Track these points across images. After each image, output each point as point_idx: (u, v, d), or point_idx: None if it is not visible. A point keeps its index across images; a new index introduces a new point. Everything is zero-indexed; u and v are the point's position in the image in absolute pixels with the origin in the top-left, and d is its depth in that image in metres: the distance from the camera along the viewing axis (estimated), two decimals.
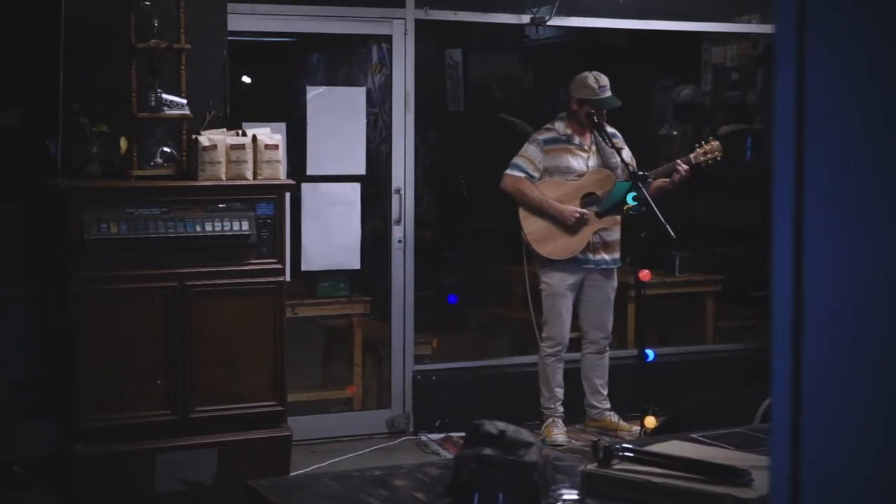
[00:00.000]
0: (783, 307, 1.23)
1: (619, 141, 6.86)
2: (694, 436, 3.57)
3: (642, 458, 3.06)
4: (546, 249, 6.72)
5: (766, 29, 8.63)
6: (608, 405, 7.02)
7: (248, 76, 7.93)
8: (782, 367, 1.24)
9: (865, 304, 1.18)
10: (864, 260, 1.18)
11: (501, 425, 2.85)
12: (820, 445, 1.22)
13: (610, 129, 6.85)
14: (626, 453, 3.08)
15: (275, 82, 8.52)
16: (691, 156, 6.78)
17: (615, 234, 6.86)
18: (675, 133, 9.50)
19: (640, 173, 6.40)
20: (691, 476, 2.93)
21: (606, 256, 6.83)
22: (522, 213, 6.73)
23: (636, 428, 6.69)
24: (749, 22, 8.67)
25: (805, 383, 1.22)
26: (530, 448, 2.78)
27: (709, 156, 6.79)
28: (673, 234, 6.18)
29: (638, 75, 9.56)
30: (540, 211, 6.70)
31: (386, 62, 7.40)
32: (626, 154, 6.83)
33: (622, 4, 7.67)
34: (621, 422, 6.93)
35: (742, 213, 9.09)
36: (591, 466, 3.02)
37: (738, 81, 9.39)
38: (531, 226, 6.72)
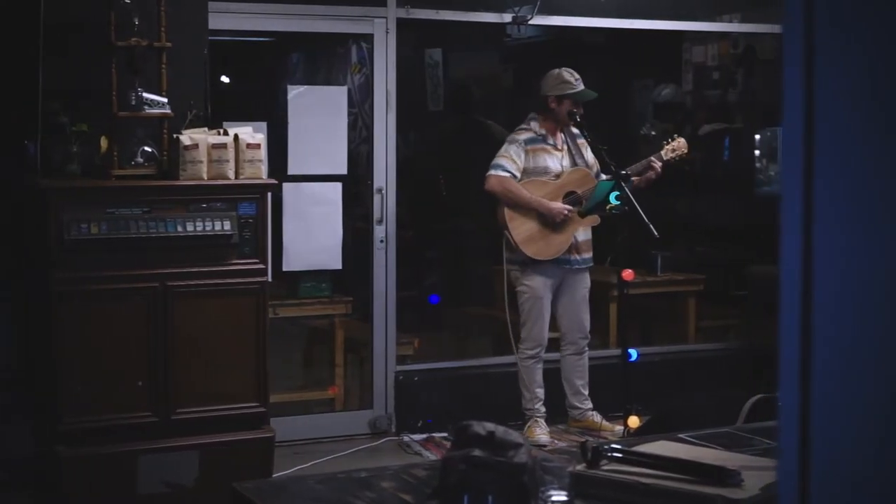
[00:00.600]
0: (791, 309, 1.21)
1: (583, 141, 6.86)
2: (681, 436, 3.54)
3: (631, 458, 3.03)
4: (533, 250, 6.69)
5: (746, 28, 8.65)
6: (590, 405, 7.01)
7: (229, 75, 7.88)
8: (790, 368, 1.22)
9: (874, 304, 1.17)
10: (875, 260, 1.16)
11: (490, 426, 2.82)
12: (829, 445, 1.21)
13: (574, 130, 6.84)
14: (615, 454, 3.05)
15: (255, 81, 8.49)
16: (661, 153, 6.79)
17: (587, 234, 6.85)
18: (653, 133, 9.49)
19: (623, 172, 6.39)
20: (680, 477, 2.91)
21: (579, 257, 6.82)
22: (508, 213, 6.70)
23: (619, 428, 6.68)
24: (730, 21, 8.68)
25: (814, 385, 1.20)
26: (519, 449, 2.75)
27: (677, 152, 6.81)
28: (656, 233, 6.17)
29: (619, 74, 9.57)
30: (527, 210, 6.67)
31: (366, 62, 7.37)
32: (589, 154, 6.84)
33: (604, 3, 7.66)
34: (604, 422, 6.92)
35: (723, 212, 9.09)
36: (580, 467, 3.00)
37: (718, 81, 9.40)
38: (518, 226, 6.69)
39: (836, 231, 1.19)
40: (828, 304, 1.20)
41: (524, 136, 6.79)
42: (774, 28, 8.40)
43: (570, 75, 6.73)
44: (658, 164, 6.72)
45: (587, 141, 6.72)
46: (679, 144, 6.83)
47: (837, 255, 1.19)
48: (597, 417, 6.97)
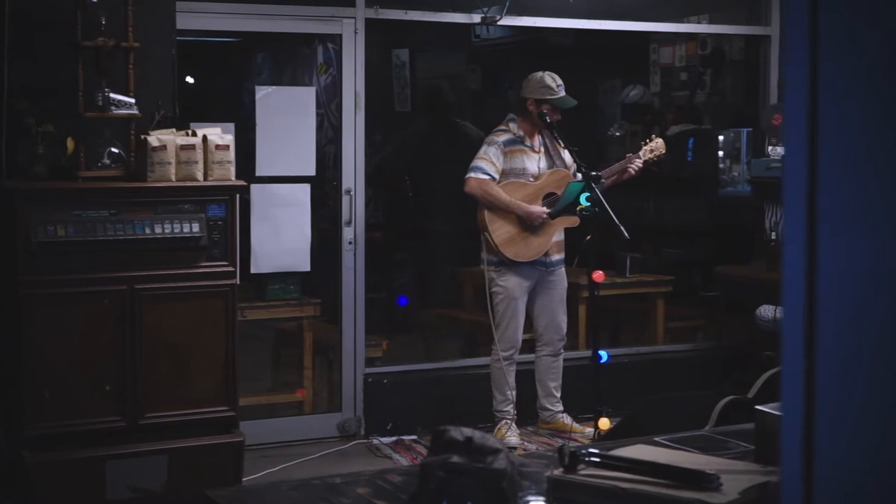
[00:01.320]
0: (795, 316, 1.18)
1: (560, 143, 6.86)
2: (658, 439, 3.53)
3: (608, 463, 3.01)
4: (512, 252, 6.67)
5: (714, 29, 8.67)
6: (561, 407, 7.00)
7: (196, 76, 7.82)
8: (794, 372, 1.19)
9: (880, 309, 1.14)
10: (879, 264, 1.14)
11: (468, 431, 2.79)
12: (834, 451, 1.18)
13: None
14: (592, 458, 3.03)
15: (222, 82, 8.42)
16: (640, 152, 6.79)
17: (560, 235, 6.85)
18: (617, 134, 9.51)
19: (594, 173, 6.38)
20: (659, 481, 2.89)
21: (553, 258, 6.81)
22: (488, 215, 6.66)
23: (590, 430, 6.67)
24: (698, 22, 8.70)
25: (819, 389, 1.17)
26: (498, 455, 2.73)
27: (655, 153, 6.82)
28: (626, 234, 6.16)
29: (586, 75, 9.57)
30: (507, 213, 6.64)
31: (332, 62, 7.33)
32: (567, 155, 6.83)
33: (572, 4, 7.65)
34: (575, 424, 6.91)
35: (691, 213, 9.11)
36: (557, 472, 2.97)
37: (686, 82, 9.41)
38: (499, 228, 6.66)
39: (841, 235, 1.16)
40: (832, 311, 1.17)
41: (503, 137, 6.75)
42: (742, 29, 8.42)
43: (552, 80, 6.70)
44: (638, 162, 6.72)
45: (561, 143, 6.71)
46: (657, 145, 6.84)
47: (841, 260, 1.16)
48: (567, 419, 6.96)
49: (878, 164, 1.14)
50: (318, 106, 7.28)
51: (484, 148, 6.76)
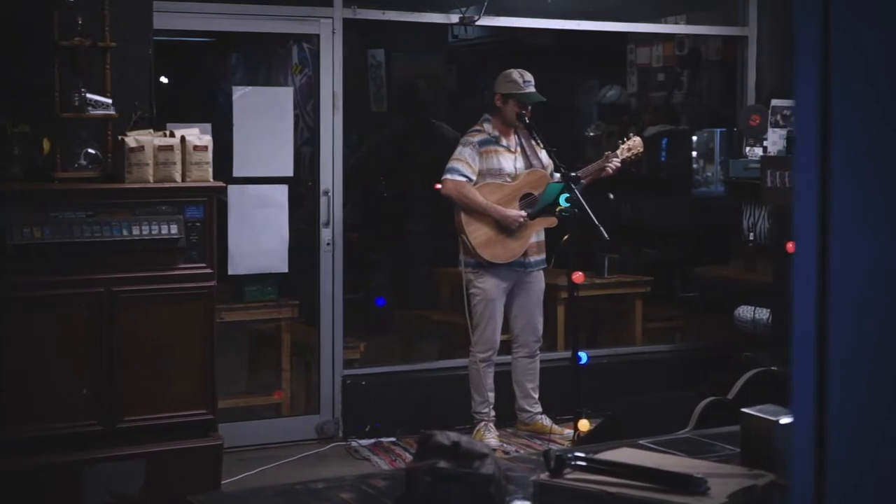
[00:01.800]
0: (805, 313, 1.16)
1: (537, 142, 6.84)
2: (643, 442, 3.51)
3: (595, 467, 2.99)
4: (490, 254, 6.63)
5: (691, 30, 8.67)
6: (539, 409, 6.97)
7: (172, 76, 7.76)
8: (804, 374, 1.17)
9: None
10: (891, 264, 1.12)
11: (454, 436, 2.76)
12: (845, 457, 1.17)
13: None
14: (579, 462, 3.00)
15: (198, 82, 8.36)
16: (618, 151, 6.77)
17: (540, 236, 6.82)
18: (591, 134, 9.51)
19: (573, 174, 6.36)
20: (646, 485, 2.87)
21: (532, 259, 6.79)
22: (465, 218, 6.62)
23: (569, 431, 6.66)
24: (675, 23, 8.70)
25: (830, 389, 1.15)
26: (485, 460, 2.70)
27: (633, 151, 6.80)
28: (606, 235, 6.14)
29: (564, 75, 9.56)
30: (482, 215, 6.61)
31: (308, 62, 7.29)
32: (544, 154, 6.82)
33: (550, 4, 7.64)
34: (554, 425, 6.89)
35: (669, 213, 9.11)
36: (543, 476, 2.95)
37: (664, 82, 9.42)
38: (475, 230, 6.62)
39: (854, 233, 1.14)
40: (845, 313, 1.16)
41: (477, 137, 6.72)
42: (719, 30, 8.43)
43: (520, 76, 6.68)
44: (616, 161, 6.70)
45: (538, 142, 6.69)
46: (635, 143, 6.82)
47: (855, 260, 1.15)
48: (546, 421, 6.94)
49: (889, 164, 1.12)
50: (294, 106, 7.23)
51: (459, 149, 6.72)
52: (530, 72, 6.76)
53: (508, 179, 6.72)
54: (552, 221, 6.67)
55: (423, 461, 2.72)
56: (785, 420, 3.03)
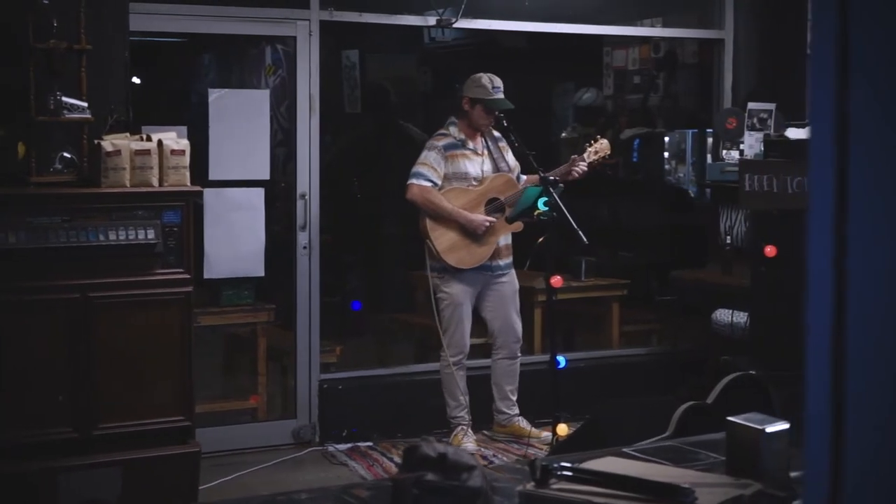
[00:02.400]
0: (821, 319, 1.12)
1: (504, 144, 6.82)
2: (627, 450, 3.49)
3: (581, 476, 2.96)
4: (455, 259, 6.60)
5: (668, 33, 8.67)
6: (517, 411, 6.95)
7: (146, 78, 7.69)
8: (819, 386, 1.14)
9: None
10: None
11: (441, 447, 2.73)
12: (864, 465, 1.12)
13: (496, 133, 6.79)
14: (565, 472, 2.98)
15: (174, 84, 8.29)
16: (584, 154, 6.74)
17: (507, 239, 6.79)
18: (563, 135, 9.51)
19: (551, 178, 6.34)
20: (633, 496, 2.85)
21: (501, 262, 6.76)
22: (430, 223, 6.59)
23: (546, 434, 6.65)
24: (651, 26, 8.69)
25: (847, 399, 1.12)
26: (473, 472, 2.67)
27: (600, 154, 6.77)
28: (585, 239, 6.12)
29: (540, 78, 9.55)
30: (447, 220, 6.58)
31: (281, 63, 7.24)
32: (511, 157, 6.79)
33: (527, 7, 7.62)
34: (532, 429, 6.86)
35: (645, 216, 9.11)
36: (529, 486, 2.92)
37: (640, 85, 9.42)
38: (440, 236, 6.59)
39: (873, 232, 1.10)
40: (863, 317, 1.11)
41: (443, 141, 6.68)
42: (695, 33, 8.43)
43: (489, 81, 6.64)
44: (583, 165, 6.67)
45: (513, 145, 6.66)
46: (602, 146, 6.79)
47: (875, 261, 1.10)
48: (523, 423, 6.92)
49: None
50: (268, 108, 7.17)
51: (424, 153, 6.68)
52: (507, 75, 6.75)
53: (475, 183, 6.68)
54: (518, 226, 6.65)
55: (409, 473, 2.69)
56: (771, 428, 3.02)
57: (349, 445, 6.92)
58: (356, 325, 8.48)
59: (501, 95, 6.64)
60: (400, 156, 7.67)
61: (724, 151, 7.71)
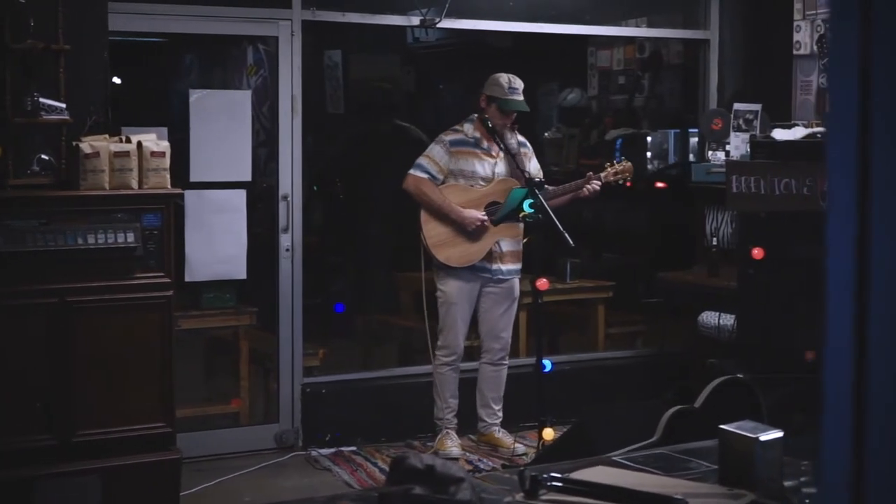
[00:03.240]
0: (841, 327, 1.06)
1: (528, 150, 6.72)
2: (616, 458, 3.42)
3: (571, 487, 2.90)
4: (444, 255, 6.53)
5: (653, 33, 8.62)
6: (497, 420, 6.83)
7: (126, 78, 7.60)
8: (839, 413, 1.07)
9: None
10: None
11: (428, 459, 2.66)
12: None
13: (521, 138, 6.71)
14: (554, 483, 2.91)
15: (154, 85, 8.20)
16: (602, 174, 6.66)
17: (514, 245, 6.69)
18: (560, 136, 9.45)
19: (537, 179, 6.27)
20: None
21: (503, 267, 6.66)
22: (424, 216, 6.53)
23: (518, 446, 6.61)
24: (636, 26, 8.64)
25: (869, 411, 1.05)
26: (461, 484, 2.60)
27: (619, 176, 6.70)
28: (571, 242, 6.06)
29: (524, 78, 9.46)
30: (441, 215, 6.50)
31: (263, 64, 7.16)
32: (534, 165, 6.70)
33: (511, 7, 7.56)
34: (504, 438, 6.77)
35: (631, 217, 9.06)
36: (518, 497, 2.86)
37: (625, 85, 9.37)
38: (432, 230, 6.52)
39: None
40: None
41: (451, 136, 6.61)
42: (681, 33, 8.38)
43: (508, 81, 6.57)
44: (596, 184, 6.59)
45: (503, 148, 6.55)
46: (625, 168, 6.70)
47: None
48: (500, 434, 6.80)
49: None
50: (250, 108, 7.08)
51: (431, 146, 6.63)
52: (491, 73, 6.68)
53: (482, 184, 6.59)
54: (518, 233, 6.58)
55: (396, 485, 2.62)
56: (765, 437, 2.96)
57: (333, 450, 6.84)
58: (341, 328, 8.41)
59: (519, 97, 6.56)
60: (392, 156, 7.60)
61: (710, 152, 7.67)
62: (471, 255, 6.55)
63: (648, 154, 8.31)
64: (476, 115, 6.67)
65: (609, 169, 6.68)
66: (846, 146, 1.06)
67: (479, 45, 8.75)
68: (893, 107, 1.03)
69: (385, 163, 8.18)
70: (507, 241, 6.63)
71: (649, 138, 8.32)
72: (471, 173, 6.57)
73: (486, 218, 6.51)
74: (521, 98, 6.58)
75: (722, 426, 3.10)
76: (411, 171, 6.55)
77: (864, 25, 1.04)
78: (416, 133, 8.06)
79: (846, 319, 1.07)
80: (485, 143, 6.62)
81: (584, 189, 6.58)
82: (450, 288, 6.59)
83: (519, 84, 6.58)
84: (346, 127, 8.88)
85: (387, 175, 6.76)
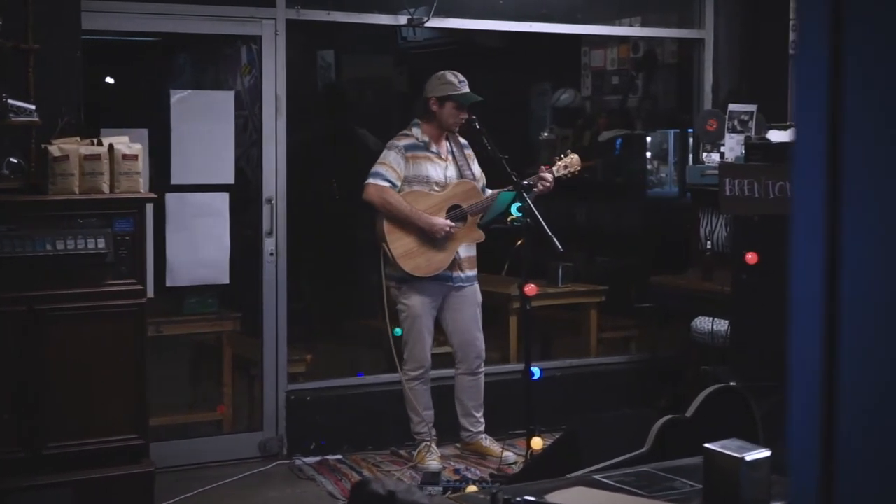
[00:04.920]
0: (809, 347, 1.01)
1: (471, 152, 6.57)
2: (598, 477, 3.28)
3: None
4: (411, 266, 6.33)
5: (647, 32, 8.49)
6: (481, 428, 6.69)
7: (107, 79, 7.46)
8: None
9: None
10: None
11: (391, 485, 2.52)
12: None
13: (462, 140, 6.55)
14: None
15: (138, 85, 8.05)
16: (553, 168, 6.47)
17: (471, 251, 6.52)
18: (542, 137, 9.32)
19: (525, 183, 6.12)
20: None
21: (462, 273, 6.49)
22: (387, 226, 6.30)
23: (508, 454, 6.48)
24: (630, 25, 8.51)
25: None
26: None
27: (569, 169, 6.49)
28: (560, 246, 5.92)
29: (517, 78, 9.37)
30: (407, 223, 6.30)
31: (255, 63, 7.02)
32: (477, 166, 6.54)
33: (502, 6, 7.42)
34: (492, 446, 6.63)
35: (624, 220, 8.93)
36: None
37: (619, 86, 9.23)
38: (397, 240, 6.30)
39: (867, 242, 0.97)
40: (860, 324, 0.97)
41: (404, 141, 6.42)
42: (675, 32, 8.25)
43: (454, 77, 6.42)
44: (549, 177, 6.39)
45: (486, 148, 6.40)
46: (572, 161, 6.50)
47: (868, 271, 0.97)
48: (487, 442, 6.67)
49: None
50: (243, 108, 6.96)
51: (384, 153, 6.41)
52: (484, 75, 6.59)
53: (437, 188, 6.41)
54: (480, 236, 6.41)
55: None
56: (751, 457, 2.84)
57: (317, 459, 6.71)
58: (328, 333, 8.27)
59: (468, 89, 6.41)
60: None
61: (705, 154, 7.53)
62: (439, 264, 6.36)
63: (648, 154, 8.18)
64: (417, 119, 6.50)
65: (559, 163, 6.50)
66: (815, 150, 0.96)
67: (472, 45, 8.63)
68: (865, 109, 0.96)
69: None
70: (464, 246, 6.46)
71: (648, 138, 8.19)
72: (425, 178, 6.38)
73: (452, 225, 6.32)
74: (469, 90, 6.44)
75: (706, 445, 2.97)
76: (370, 181, 6.30)
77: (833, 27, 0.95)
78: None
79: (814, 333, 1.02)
80: (434, 147, 6.45)
81: (539, 185, 6.38)
82: (413, 301, 6.41)
83: (464, 77, 6.44)
84: (337, 128, 8.74)
85: (357, 177, 6.60)
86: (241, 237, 6.86)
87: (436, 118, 6.40)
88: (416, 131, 6.44)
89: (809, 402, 1.01)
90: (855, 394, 0.99)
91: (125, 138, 5.21)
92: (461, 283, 6.48)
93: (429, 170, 6.39)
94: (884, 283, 0.96)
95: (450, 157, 6.47)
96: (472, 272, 6.54)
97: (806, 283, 1.00)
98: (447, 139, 6.47)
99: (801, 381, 1.03)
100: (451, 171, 6.45)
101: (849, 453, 1.01)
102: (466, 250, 6.46)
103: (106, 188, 4.99)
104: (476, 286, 6.58)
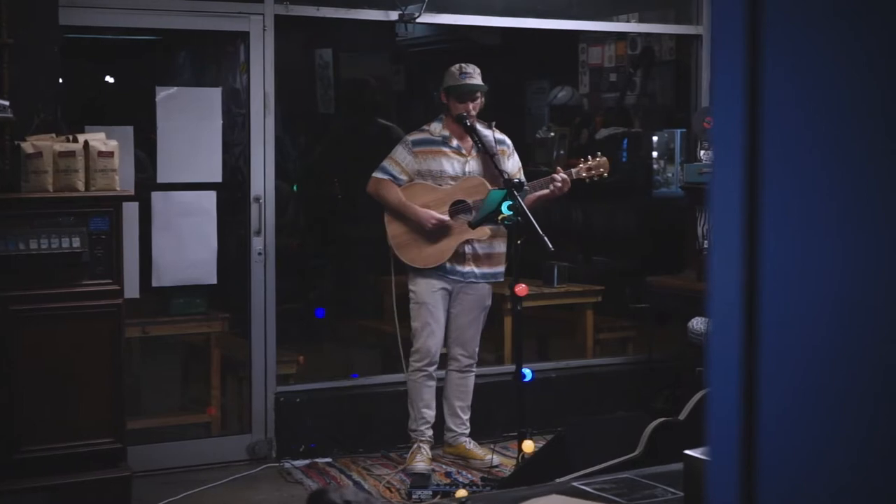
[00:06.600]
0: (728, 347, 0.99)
1: (507, 148, 6.45)
2: (577, 485, 3.17)
3: None
4: (408, 256, 6.32)
5: (644, 28, 8.39)
6: (465, 430, 6.58)
7: (90, 75, 7.37)
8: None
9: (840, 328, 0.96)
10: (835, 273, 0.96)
11: (349, 495, 2.40)
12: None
13: (499, 135, 6.44)
14: None
15: (125, 82, 7.95)
16: (573, 170, 6.37)
17: (492, 247, 6.41)
18: (551, 135, 9.20)
19: (516, 181, 6.01)
20: None
21: (476, 269, 6.38)
22: (387, 217, 6.37)
23: (490, 457, 6.37)
24: (627, 21, 8.41)
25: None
26: None
27: (593, 172, 6.39)
28: (550, 246, 5.80)
29: (513, 75, 9.26)
30: (399, 215, 6.32)
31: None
32: (513, 163, 6.42)
33: (497, 1, 7.31)
34: (475, 450, 6.52)
35: (622, 219, 8.82)
36: None
37: (616, 83, 9.12)
38: (394, 230, 6.35)
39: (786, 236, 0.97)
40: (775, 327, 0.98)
41: (414, 136, 6.41)
42: (672, 28, 8.14)
43: (459, 68, 6.36)
44: (560, 179, 6.26)
45: (477, 145, 6.29)
46: (598, 163, 6.37)
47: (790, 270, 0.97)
48: (469, 445, 6.56)
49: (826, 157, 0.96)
50: (240, 106, 6.83)
51: (395, 147, 6.44)
52: (480, 71, 6.42)
53: (451, 183, 6.36)
54: (484, 233, 6.30)
55: None
56: None
57: (307, 462, 6.62)
58: (320, 334, 8.18)
59: (472, 80, 6.32)
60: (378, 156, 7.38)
61: (702, 152, 7.41)
62: (436, 256, 6.31)
63: (654, 154, 8.07)
64: (443, 114, 6.44)
65: (583, 164, 6.39)
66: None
67: (468, 42, 8.52)
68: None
69: (370, 161, 7.94)
70: (483, 243, 6.37)
71: (655, 137, 8.08)
72: (438, 173, 6.34)
73: (444, 217, 6.25)
74: (477, 80, 6.35)
75: (686, 451, 2.85)
76: (374, 174, 6.39)
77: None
78: (396, 132, 7.80)
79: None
80: (454, 142, 6.37)
81: (550, 186, 6.27)
82: (420, 288, 6.37)
83: (472, 69, 6.37)
84: (338, 127, 8.65)
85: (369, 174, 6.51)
86: (229, 237, 6.76)
87: (450, 111, 6.35)
88: (435, 126, 6.41)
89: (728, 396, 1.01)
90: (773, 390, 0.99)
91: (101, 135, 5.12)
92: (473, 279, 6.40)
93: (443, 164, 6.35)
94: (801, 272, 0.95)
95: (473, 153, 6.38)
96: (490, 269, 6.45)
97: (725, 276, 0.98)
98: (474, 134, 6.34)
99: (721, 376, 1.03)
100: (473, 167, 6.38)
101: (770, 444, 1.02)
102: (483, 247, 6.37)
103: (81, 186, 4.90)
104: (488, 286, 6.48)
